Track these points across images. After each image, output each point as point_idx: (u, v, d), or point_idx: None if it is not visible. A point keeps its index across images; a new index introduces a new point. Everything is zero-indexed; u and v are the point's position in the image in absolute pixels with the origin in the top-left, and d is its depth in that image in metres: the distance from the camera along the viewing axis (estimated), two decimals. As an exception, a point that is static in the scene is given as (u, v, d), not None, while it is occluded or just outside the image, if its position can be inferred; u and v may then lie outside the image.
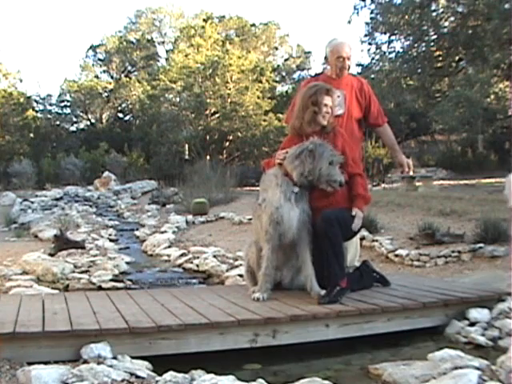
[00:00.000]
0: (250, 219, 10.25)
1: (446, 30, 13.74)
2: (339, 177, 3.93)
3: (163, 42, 37.00)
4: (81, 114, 33.40)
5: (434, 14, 13.54)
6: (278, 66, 33.75)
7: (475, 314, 3.86)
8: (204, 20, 30.13)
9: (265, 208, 4.05)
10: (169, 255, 8.17)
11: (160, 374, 2.86)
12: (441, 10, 13.60)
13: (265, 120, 24.14)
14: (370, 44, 14.36)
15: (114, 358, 3.05)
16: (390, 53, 14.35)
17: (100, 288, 5.95)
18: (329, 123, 4.18)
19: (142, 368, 2.97)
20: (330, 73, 4.77)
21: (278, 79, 31.39)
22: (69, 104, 32.85)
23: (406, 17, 13.22)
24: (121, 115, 34.14)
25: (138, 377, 2.83)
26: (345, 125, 4.54)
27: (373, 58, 14.79)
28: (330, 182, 3.93)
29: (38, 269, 6.55)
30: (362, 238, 6.88)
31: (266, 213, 4.01)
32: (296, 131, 4.28)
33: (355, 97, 4.66)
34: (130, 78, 32.93)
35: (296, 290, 4.15)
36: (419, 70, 14.03)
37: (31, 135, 29.30)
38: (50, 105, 32.75)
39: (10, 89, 30.33)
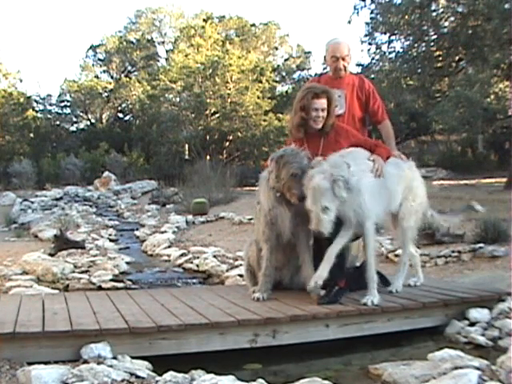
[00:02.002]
0: (250, 219, 10.32)
1: (446, 29, 13.71)
2: (298, 191, 3.77)
3: (163, 42, 36.97)
4: (81, 114, 33.37)
5: (434, 13, 13.50)
6: (278, 65, 33.69)
7: (475, 313, 3.86)
8: (204, 20, 30.11)
9: (259, 210, 4.09)
10: (169, 255, 8.17)
11: (160, 374, 2.86)
12: (441, 10, 13.56)
13: (265, 120, 24.14)
14: (370, 44, 14.31)
15: (114, 357, 3.06)
16: (390, 53, 14.30)
17: (100, 288, 5.96)
18: (327, 125, 4.12)
19: (142, 368, 2.97)
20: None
21: (278, 79, 31.36)
22: (69, 104, 32.81)
23: (406, 17, 13.18)
24: (121, 115, 34.11)
25: (138, 377, 2.84)
26: (346, 123, 4.52)
27: (373, 58, 14.74)
28: (291, 193, 3.84)
29: (37, 269, 6.56)
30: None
31: (261, 214, 4.06)
32: (291, 135, 4.28)
33: (356, 95, 4.62)
34: (130, 78, 32.90)
35: (296, 290, 4.15)
36: (419, 70, 13.99)
37: (31, 135, 29.28)
38: (50, 105, 32.71)
39: (10, 89, 30.29)
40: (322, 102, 4.08)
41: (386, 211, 4.08)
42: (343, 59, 4.53)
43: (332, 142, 4.10)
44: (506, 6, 11.38)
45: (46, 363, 2.91)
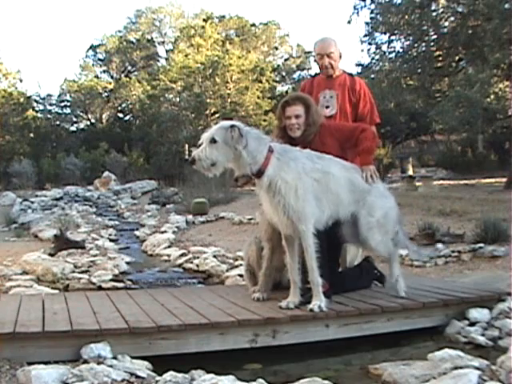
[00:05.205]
0: (250, 219, 10.31)
1: (445, 29, 13.71)
2: None
3: (163, 42, 37.01)
4: (81, 114, 33.40)
5: (434, 13, 13.50)
6: (278, 65, 33.73)
7: (475, 314, 3.86)
8: (204, 20, 30.13)
9: (264, 209, 4.09)
10: (169, 255, 8.17)
11: (160, 374, 2.86)
12: (441, 10, 13.56)
13: (265, 120, 24.14)
14: (370, 44, 14.31)
15: (114, 357, 3.06)
16: (390, 53, 14.30)
17: (100, 288, 5.95)
18: (308, 134, 4.00)
19: (142, 368, 2.97)
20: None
21: (278, 79, 31.39)
22: (69, 104, 32.84)
23: (406, 17, 13.18)
24: (121, 115, 34.12)
25: (138, 377, 2.84)
26: None
27: (373, 58, 14.74)
28: None
29: (37, 269, 6.56)
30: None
31: (264, 212, 4.05)
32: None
33: (348, 96, 4.61)
34: (130, 78, 32.92)
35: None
36: (419, 70, 13.99)
37: (31, 135, 29.30)
38: (50, 105, 32.75)
39: (10, 89, 30.30)
40: (295, 109, 3.99)
41: (333, 217, 3.77)
42: (328, 56, 4.51)
43: (319, 146, 3.97)
44: (506, 5, 11.38)
45: (45, 363, 2.90)
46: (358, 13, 14.10)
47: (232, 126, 3.55)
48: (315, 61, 4.77)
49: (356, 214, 3.85)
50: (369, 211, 3.84)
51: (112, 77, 35.56)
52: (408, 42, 14.04)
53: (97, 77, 35.44)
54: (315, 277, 3.65)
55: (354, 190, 3.85)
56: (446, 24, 13.83)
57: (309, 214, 3.63)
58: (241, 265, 6.22)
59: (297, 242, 3.75)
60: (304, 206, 3.60)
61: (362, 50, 17.05)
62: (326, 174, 3.75)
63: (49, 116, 31.81)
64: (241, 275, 5.71)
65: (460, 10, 13.30)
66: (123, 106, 33.60)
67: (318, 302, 3.64)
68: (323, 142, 4.02)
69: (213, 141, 3.51)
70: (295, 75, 34.08)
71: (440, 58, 14.27)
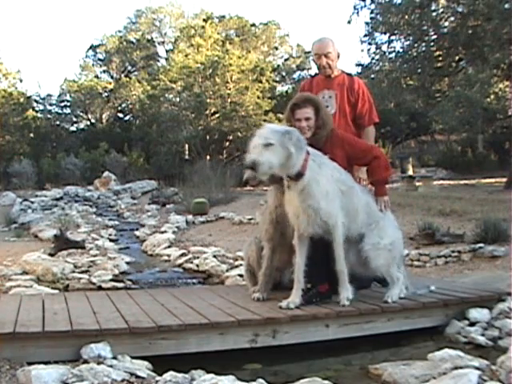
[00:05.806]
0: (250, 219, 10.32)
1: (445, 29, 13.72)
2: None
3: (163, 42, 36.97)
4: (81, 114, 33.36)
5: (434, 14, 13.51)
6: (278, 65, 33.70)
7: (475, 314, 3.87)
8: (204, 20, 30.10)
9: (266, 208, 4.09)
10: (169, 255, 8.17)
11: (160, 374, 2.86)
12: (441, 10, 13.57)
13: (265, 120, 24.09)
14: (370, 44, 14.31)
15: (114, 358, 3.06)
16: (390, 53, 14.30)
17: (100, 288, 5.96)
18: (319, 137, 4.00)
19: (142, 368, 2.97)
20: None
21: (278, 79, 31.37)
22: (69, 104, 32.79)
23: (406, 17, 13.18)
24: (121, 115, 34.09)
25: (138, 377, 2.84)
26: (337, 124, 4.49)
27: (373, 58, 14.74)
28: None
29: (37, 269, 6.56)
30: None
31: (266, 212, 4.07)
32: None
33: (347, 95, 4.60)
34: (130, 78, 32.89)
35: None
36: (419, 70, 13.99)
37: (31, 135, 29.26)
38: (50, 105, 32.70)
39: (10, 89, 30.27)
40: (305, 112, 3.98)
41: (349, 229, 3.81)
42: (326, 56, 4.52)
43: (329, 155, 3.94)
44: (506, 5, 11.39)
45: (46, 363, 2.90)
46: (358, 13, 14.11)
47: (289, 132, 3.62)
48: (313, 61, 4.78)
49: (365, 234, 3.88)
50: (379, 233, 3.89)
51: (112, 77, 35.53)
52: (408, 42, 14.04)
53: (97, 77, 35.40)
54: (342, 264, 3.73)
55: (370, 214, 3.91)
56: (446, 24, 13.82)
57: (337, 209, 3.71)
58: (241, 265, 6.22)
59: (308, 242, 3.79)
60: (333, 207, 3.70)
61: (362, 50, 17.05)
62: (350, 188, 3.84)
63: (49, 116, 31.77)
64: (241, 275, 5.72)
65: (460, 10, 13.30)
66: (123, 105, 33.56)
67: (346, 293, 3.74)
68: (333, 152, 3.99)
69: (269, 144, 3.54)
70: (295, 75, 34.06)
71: (440, 58, 14.27)
